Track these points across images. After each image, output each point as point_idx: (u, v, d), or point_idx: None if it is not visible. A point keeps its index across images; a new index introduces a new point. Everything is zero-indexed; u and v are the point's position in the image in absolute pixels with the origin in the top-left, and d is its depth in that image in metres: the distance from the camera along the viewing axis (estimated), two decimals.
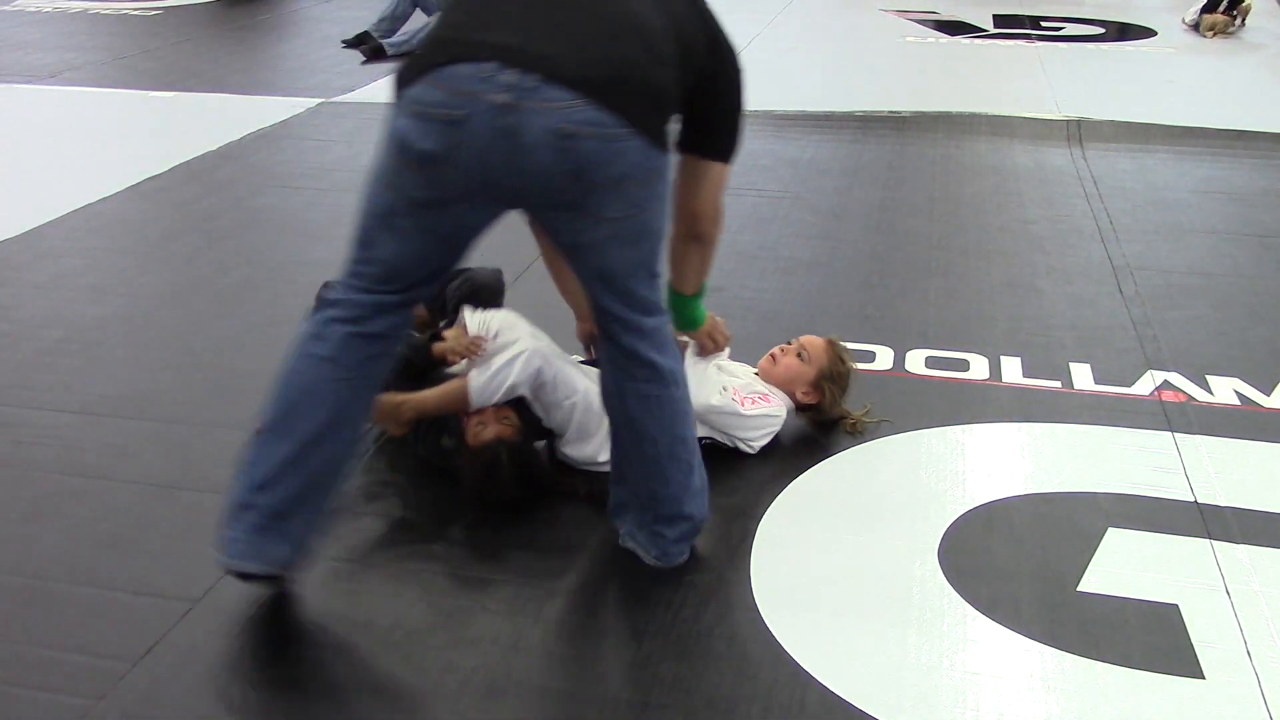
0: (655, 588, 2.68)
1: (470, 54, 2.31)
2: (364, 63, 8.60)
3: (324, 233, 5.06)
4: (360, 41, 8.91)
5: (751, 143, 3.04)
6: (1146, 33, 10.04)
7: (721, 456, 3.28)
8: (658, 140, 2.41)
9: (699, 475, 2.74)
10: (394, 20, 9.02)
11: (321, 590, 2.66)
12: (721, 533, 2.89)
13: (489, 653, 2.45)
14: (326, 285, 2.95)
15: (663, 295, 2.64)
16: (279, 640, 2.52)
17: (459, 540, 2.87)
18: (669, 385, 2.60)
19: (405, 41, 8.90)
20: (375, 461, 3.20)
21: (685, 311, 3.07)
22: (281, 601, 2.61)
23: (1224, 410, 3.54)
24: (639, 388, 2.59)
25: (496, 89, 2.27)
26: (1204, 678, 2.40)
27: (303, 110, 7.16)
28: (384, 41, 8.83)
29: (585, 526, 2.91)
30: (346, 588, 2.67)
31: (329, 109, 7.24)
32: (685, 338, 3.19)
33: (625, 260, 2.49)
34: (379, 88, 7.82)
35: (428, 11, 9.07)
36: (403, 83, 2.40)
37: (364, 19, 9.47)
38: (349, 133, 6.68)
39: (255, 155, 6.25)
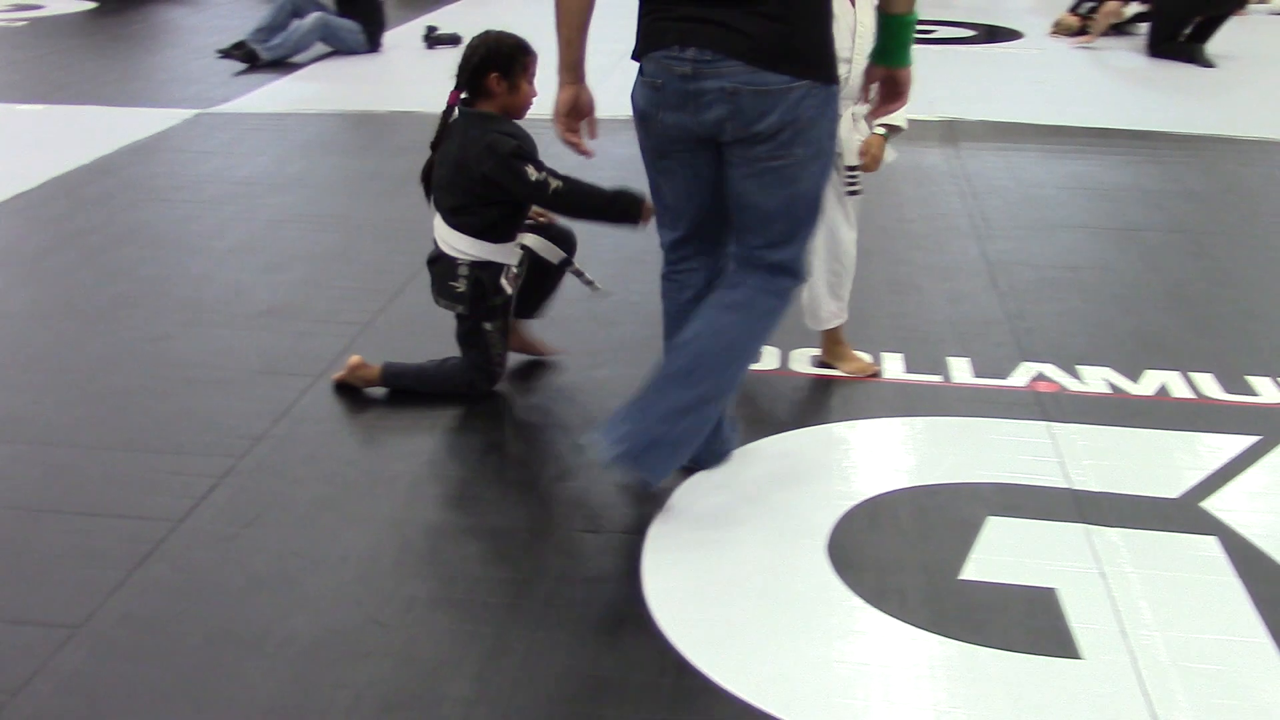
0: (545, 590, 2.68)
1: None
2: (239, 73, 8.46)
3: (202, 246, 4.97)
4: (237, 51, 8.76)
5: (631, 148, 3.07)
6: (1014, 35, 10.34)
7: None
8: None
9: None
10: (271, 31, 8.90)
11: (206, 608, 2.61)
12: (612, 534, 2.91)
13: (381, 667, 2.44)
14: None
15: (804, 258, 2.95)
16: (163, 664, 2.47)
17: (359, 556, 2.84)
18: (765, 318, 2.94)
19: (280, 46, 8.77)
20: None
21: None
22: (167, 623, 2.56)
23: (1095, 399, 3.67)
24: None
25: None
26: (1081, 658, 2.49)
27: (179, 122, 7.01)
28: (257, 46, 8.69)
29: (467, 539, 2.91)
30: (234, 604, 2.63)
31: (206, 120, 7.10)
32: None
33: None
34: (257, 98, 7.71)
35: (314, 28, 8.97)
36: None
37: (239, 28, 9.32)
38: (227, 144, 6.57)
39: (130, 168, 6.10)
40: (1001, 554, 2.85)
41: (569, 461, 3.30)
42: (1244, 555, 2.85)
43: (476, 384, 3.63)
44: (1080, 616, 2.61)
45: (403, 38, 9.76)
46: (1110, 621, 2.60)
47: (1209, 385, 3.73)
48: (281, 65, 8.70)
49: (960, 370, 3.84)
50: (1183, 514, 3.04)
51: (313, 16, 8.96)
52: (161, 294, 4.43)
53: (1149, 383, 3.76)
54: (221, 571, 2.76)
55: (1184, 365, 3.86)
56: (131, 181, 5.89)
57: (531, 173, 3.43)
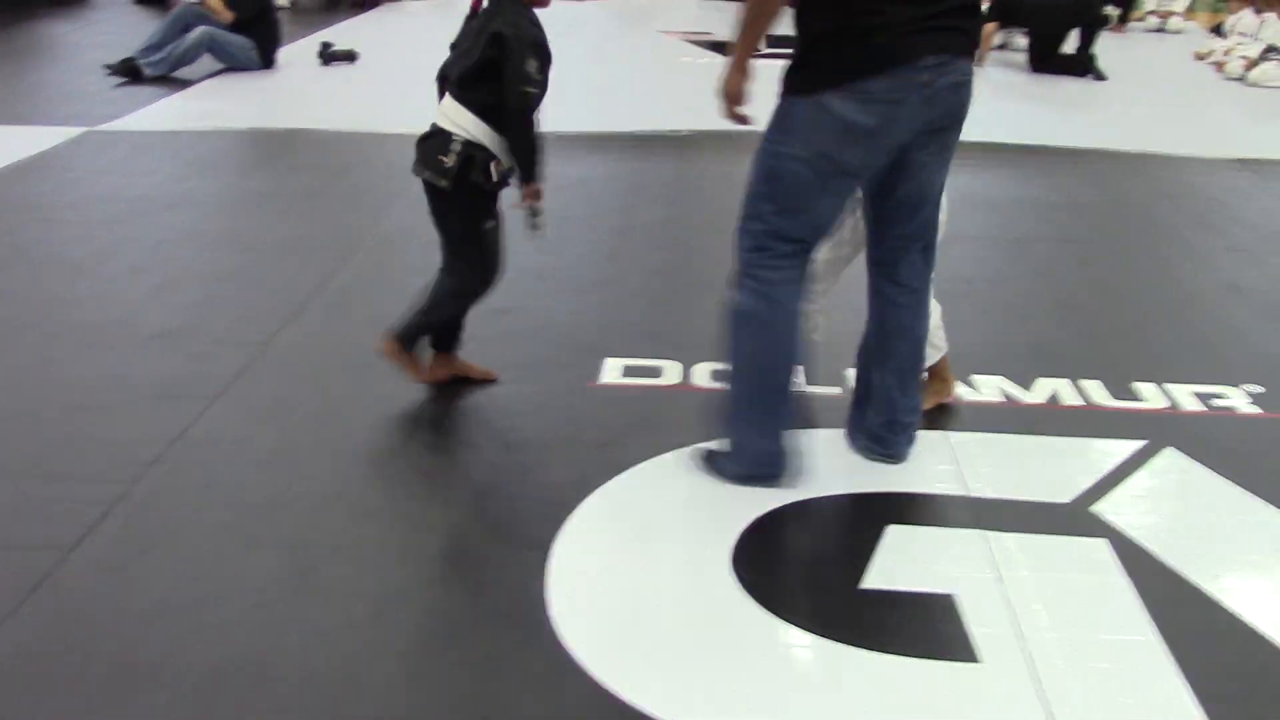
0: (451, 609, 2.67)
1: None
2: (118, 85, 8.29)
3: (92, 267, 4.85)
4: (125, 68, 8.58)
5: None
6: None
7: (512, 471, 3.29)
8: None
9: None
10: (161, 48, 8.74)
11: (100, 640, 2.55)
12: (519, 553, 2.90)
13: (284, 694, 2.40)
14: None
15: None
16: (56, 699, 2.40)
17: (259, 581, 2.79)
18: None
19: (163, 61, 8.61)
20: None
21: None
22: (59, 656, 2.49)
23: (990, 407, 3.75)
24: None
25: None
26: (980, 661, 2.54)
27: (66, 140, 6.84)
28: (142, 62, 8.53)
29: (380, 558, 2.88)
30: (129, 635, 2.57)
31: (94, 138, 6.94)
32: None
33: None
34: (147, 115, 7.55)
35: (199, 42, 8.82)
36: None
37: (127, 44, 9.12)
38: (116, 162, 6.42)
39: (15, 188, 5.93)
40: (901, 562, 2.90)
41: (476, 480, 3.28)
42: (1133, 557, 2.93)
43: (479, 288, 3.69)
44: (978, 621, 2.67)
45: (297, 54, 9.64)
46: (1007, 625, 2.66)
47: (1097, 392, 3.85)
48: (173, 82, 8.53)
49: None
50: (1074, 518, 3.12)
51: (197, 30, 8.77)
52: (50, 316, 4.31)
53: (1041, 391, 3.86)
54: (115, 601, 2.69)
55: (1074, 373, 3.97)
56: (17, 202, 5.73)
57: (532, 66, 3.44)
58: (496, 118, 3.52)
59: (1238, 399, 3.84)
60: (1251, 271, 5.09)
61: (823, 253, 3.60)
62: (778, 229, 3.03)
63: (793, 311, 3.10)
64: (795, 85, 2.97)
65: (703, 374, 3.94)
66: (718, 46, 10.45)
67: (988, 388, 3.87)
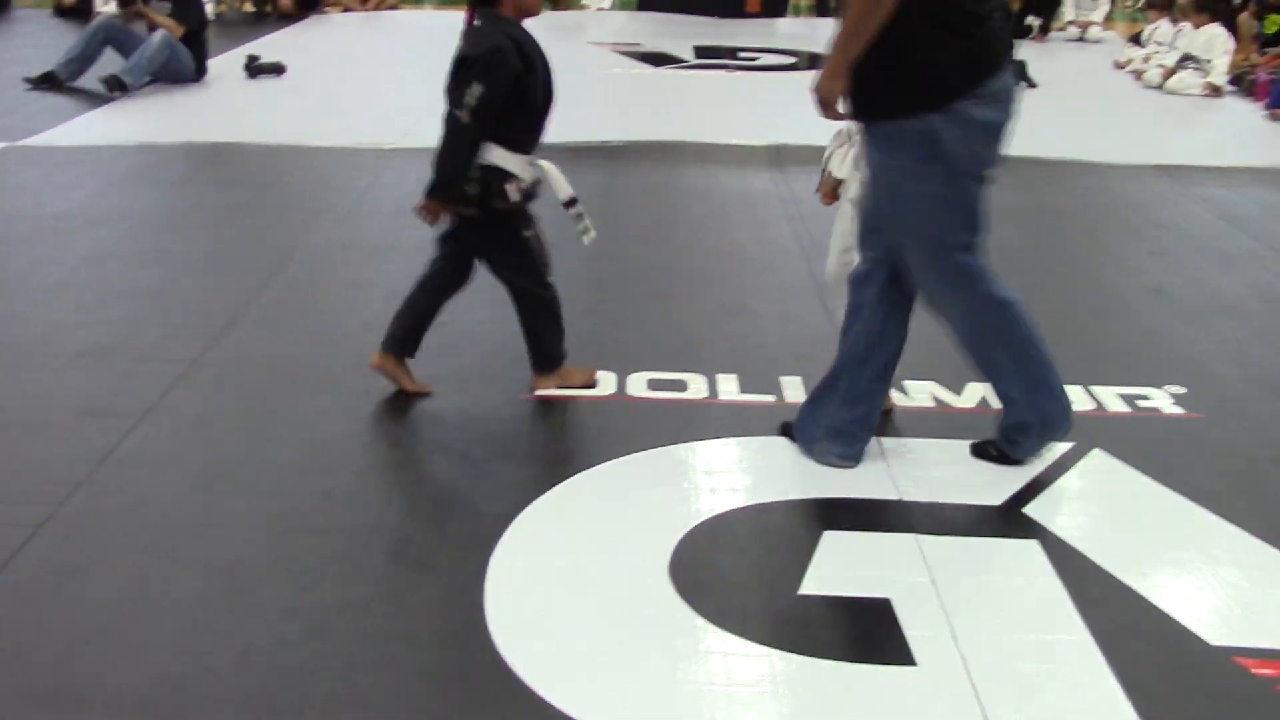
0: (388, 624, 2.64)
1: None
2: (30, 89, 8.16)
3: (14, 285, 4.75)
4: (46, 81, 8.43)
5: None
6: None
7: (447, 484, 3.27)
8: None
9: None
10: (83, 62, 8.61)
11: (27, 665, 2.49)
12: (453, 567, 2.88)
13: (217, 717, 2.36)
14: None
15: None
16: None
17: (190, 601, 2.74)
18: None
19: (136, 70, 8.53)
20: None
21: None
22: None
23: (921, 412, 3.80)
24: None
25: None
26: (916, 665, 2.56)
27: None
28: (124, 78, 8.46)
29: (311, 575, 2.85)
30: (58, 660, 2.52)
31: (14, 154, 6.81)
32: None
33: None
34: (69, 130, 7.42)
35: (125, 53, 8.69)
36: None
37: (47, 57, 8.95)
38: (37, 178, 6.31)
39: None
40: (838, 567, 2.92)
41: (411, 494, 3.25)
42: (1063, 557, 2.98)
43: (545, 294, 3.79)
44: (914, 624, 2.69)
45: (223, 67, 9.52)
46: (942, 628, 2.68)
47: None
48: (94, 96, 8.39)
49: (793, 389, 3.93)
50: (1006, 520, 3.17)
51: (160, 34, 8.69)
52: None
53: (971, 395, 3.91)
54: (42, 626, 2.63)
55: None
56: None
57: (473, 90, 3.43)
58: (508, 135, 3.55)
59: (1161, 400, 3.92)
60: (1173, 275, 5.21)
61: (832, 264, 3.70)
62: (964, 245, 3.20)
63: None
64: (939, 98, 3.02)
65: (638, 383, 3.94)
66: (648, 57, 10.49)
67: (919, 393, 3.92)
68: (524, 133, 3.62)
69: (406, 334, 3.82)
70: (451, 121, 3.48)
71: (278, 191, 6.32)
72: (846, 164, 3.68)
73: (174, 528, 3.04)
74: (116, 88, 8.39)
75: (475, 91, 3.42)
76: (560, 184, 3.74)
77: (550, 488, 3.27)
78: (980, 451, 3.48)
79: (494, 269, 3.78)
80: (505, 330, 4.39)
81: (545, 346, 3.86)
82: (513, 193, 3.59)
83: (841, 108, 3.21)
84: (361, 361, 4.08)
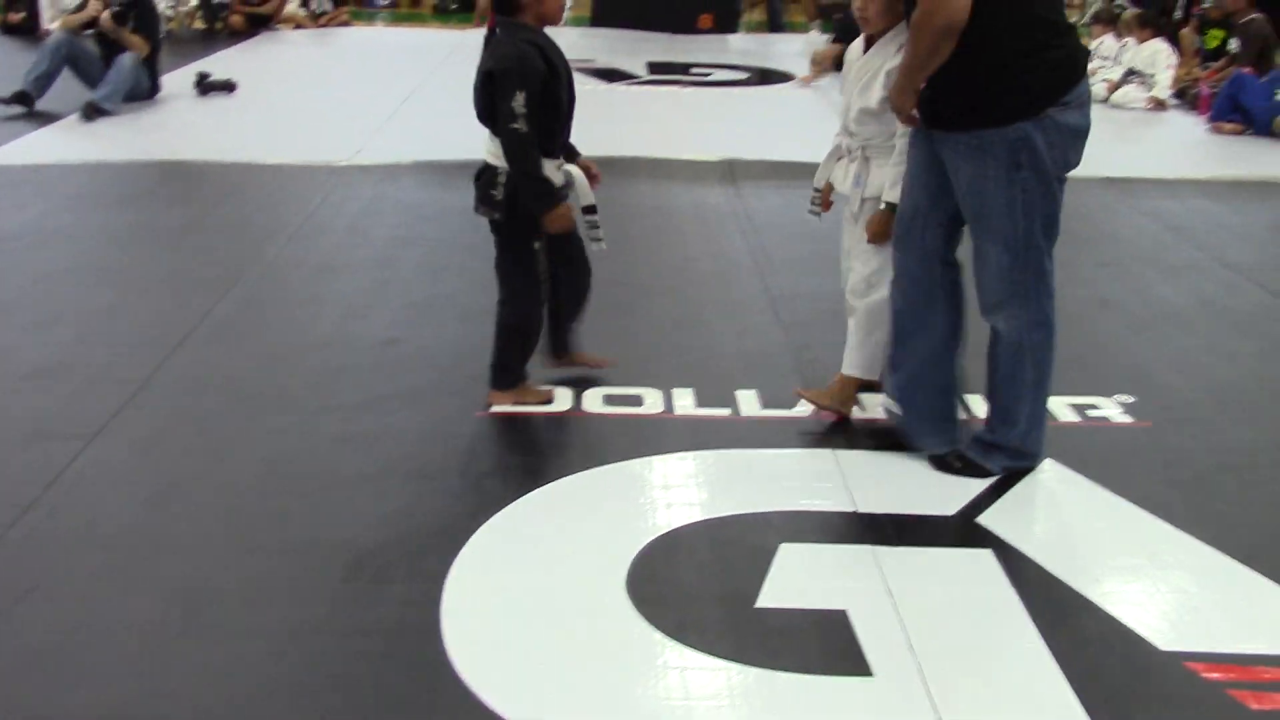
0: (344, 644, 2.63)
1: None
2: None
3: None
4: (20, 99, 8.35)
5: (417, 193, 3.07)
6: (785, 77, 10.74)
7: (403, 501, 3.26)
8: None
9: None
10: (49, 79, 8.53)
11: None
12: (410, 583, 2.87)
13: None
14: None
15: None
16: None
17: (143, 625, 2.71)
18: None
19: (114, 94, 8.50)
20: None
21: None
22: None
23: (876, 425, 3.82)
24: None
25: None
26: (872, 675, 2.58)
27: None
28: (100, 103, 8.40)
29: (267, 598, 2.83)
30: (7, 684, 2.48)
31: None
32: None
33: None
34: (15, 150, 7.34)
35: (79, 72, 8.61)
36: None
37: (2, 75, 8.85)
38: None
39: None
40: (795, 579, 2.94)
41: (367, 512, 3.23)
42: (1017, 566, 3.01)
43: (528, 309, 3.82)
44: (870, 635, 2.71)
45: (174, 85, 9.45)
46: (898, 637, 2.70)
47: (979, 406, 3.93)
48: (40, 115, 8.31)
49: (748, 402, 3.95)
50: (960, 530, 3.20)
51: (131, 56, 8.69)
52: None
53: (842, 408, 3.92)
54: None
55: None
56: None
57: (518, 99, 3.49)
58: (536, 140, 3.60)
59: (1111, 409, 3.97)
60: (1120, 286, 5.28)
61: (850, 274, 3.82)
62: (1045, 253, 3.32)
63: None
64: (1024, 108, 3.15)
65: (594, 399, 3.95)
66: (602, 74, 10.53)
67: (873, 405, 3.94)
68: (550, 137, 3.67)
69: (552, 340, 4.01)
70: (512, 135, 3.54)
71: (229, 209, 6.27)
72: (849, 179, 3.72)
73: (126, 549, 3.01)
74: (97, 114, 8.33)
75: (520, 99, 3.50)
76: (584, 190, 3.80)
77: (507, 504, 3.26)
78: (942, 464, 3.51)
79: (498, 267, 3.83)
80: (461, 347, 4.39)
81: (508, 360, 3.87)
82: None
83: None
84: (314, 378, 4.06)
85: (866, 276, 3.75)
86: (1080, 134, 3.26)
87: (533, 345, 3.90)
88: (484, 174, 3.72)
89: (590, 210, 3.80)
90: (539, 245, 3.75)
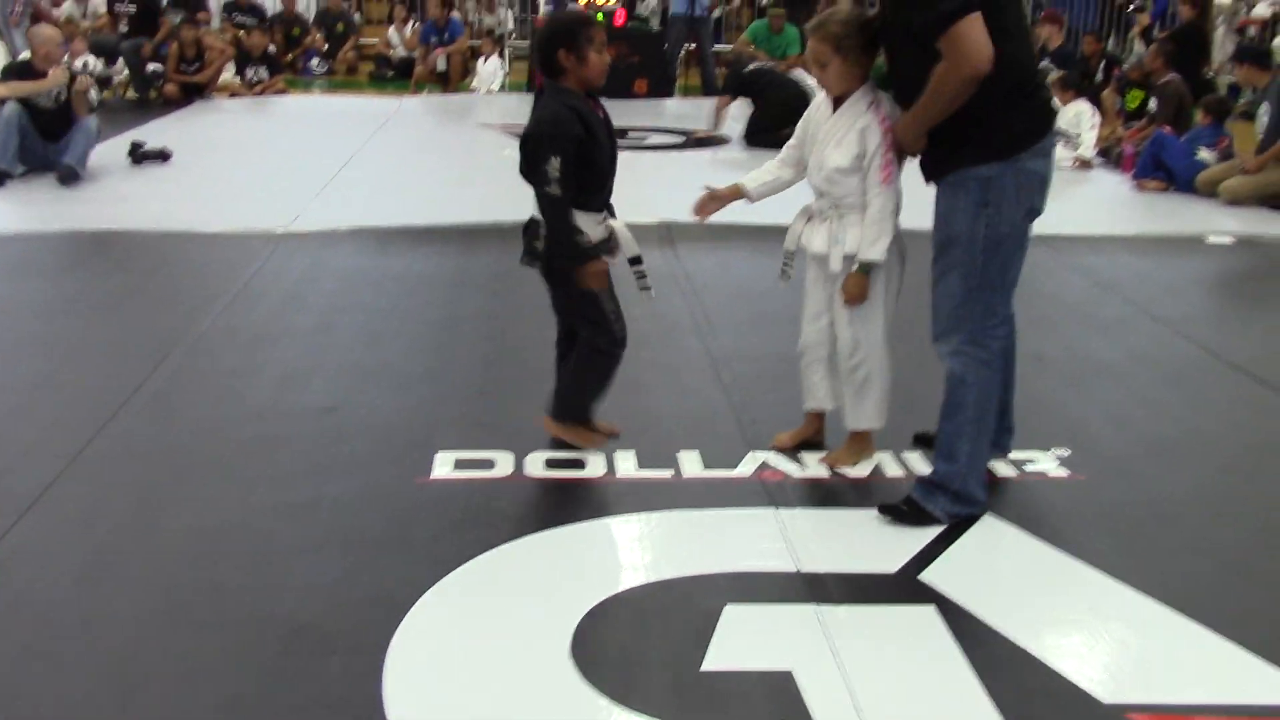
0: (283, 716, 2.58)
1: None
2: None
3: None
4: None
5: (356, 259, 3.06)
6: (720, 141, 10.88)
7: (343, 572, 3.21)
8: None
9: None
10: (12, 151, 8.42)
11: None
12: (352, 655, 2.82)
13: None
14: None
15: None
16: None
17: (75, 706, 2.64)
18: None
19: (83, 156, 8.51)
20: None
21: None
22: None
23: (817, 484, 3.84)
24: None
25: None
26: None
27: None
28: (71, 166, 8.36)
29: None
30: None
31: None
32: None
33: None
34: None
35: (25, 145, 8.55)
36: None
37: None
38: None
39: None
40: (740, 641, 2.93)
41: (306, 583, 3.18)
42: (959, 621, 3.03)
43: (607, 349, 3.90)
44: (816, 696, 2.70)
45: (108, 154, 9.36)
46: (844, 697, 2.70)
47: (919, 463, 3.97)
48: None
49: (691, 463, 3.95)
50: (903, 587, 3.21)
51: (93, 119, 8.75)
52: None
53: (864, 464, 3.97)
54: None
55: (895, 445, 4.09)
56: None
57: (552, 164, 3.62)
58: (575, 196, 3.71)
59: (1047, 463, 4.02)
60: (1053, 341, 5.37)
61: (805, 332, 3.90)
62: (998, 293, 3.49)
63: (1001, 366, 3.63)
64: (996, 152, 3.37)
65: (536, 463, 3.93)
66: None
67: (814, 464, 3.96)
68: (590, 192, 3.77)
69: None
70: (545, 199, 3.68)
71: (164, 278, 6.21)
72: (824, 239, 3.76)
73: (55, 627, 2.94)
74: (72, 179, 8.34)
75: (555, 163, 3.62)
76: (628, 241, 3.89)
77: (449, 572, 3.23)
78: (892, 511, 3.56)
79: (573, 319, 3.99)
80: (400, 413, 4.36)
81: (575, 397, 4.00)
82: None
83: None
84: (250, 448, 4.01)
85: (853, 338, 3.79)
86: (1045, 181, 3.49)
87: (604, 388, 4.00)
88: (529, 228, 3.85)
89: (636, 260, 3.92)
90: (598, 289, 3.85)
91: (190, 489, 3.71)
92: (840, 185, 3.69)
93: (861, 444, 3.94)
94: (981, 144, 3.37)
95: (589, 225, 3.78)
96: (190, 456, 3.97)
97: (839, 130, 3.66)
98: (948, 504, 3.54)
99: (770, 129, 10.56)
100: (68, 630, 2.93)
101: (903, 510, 3.55)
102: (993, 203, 3.39)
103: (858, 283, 3.70)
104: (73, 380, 4.65)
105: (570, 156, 3.64)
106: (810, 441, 4.03)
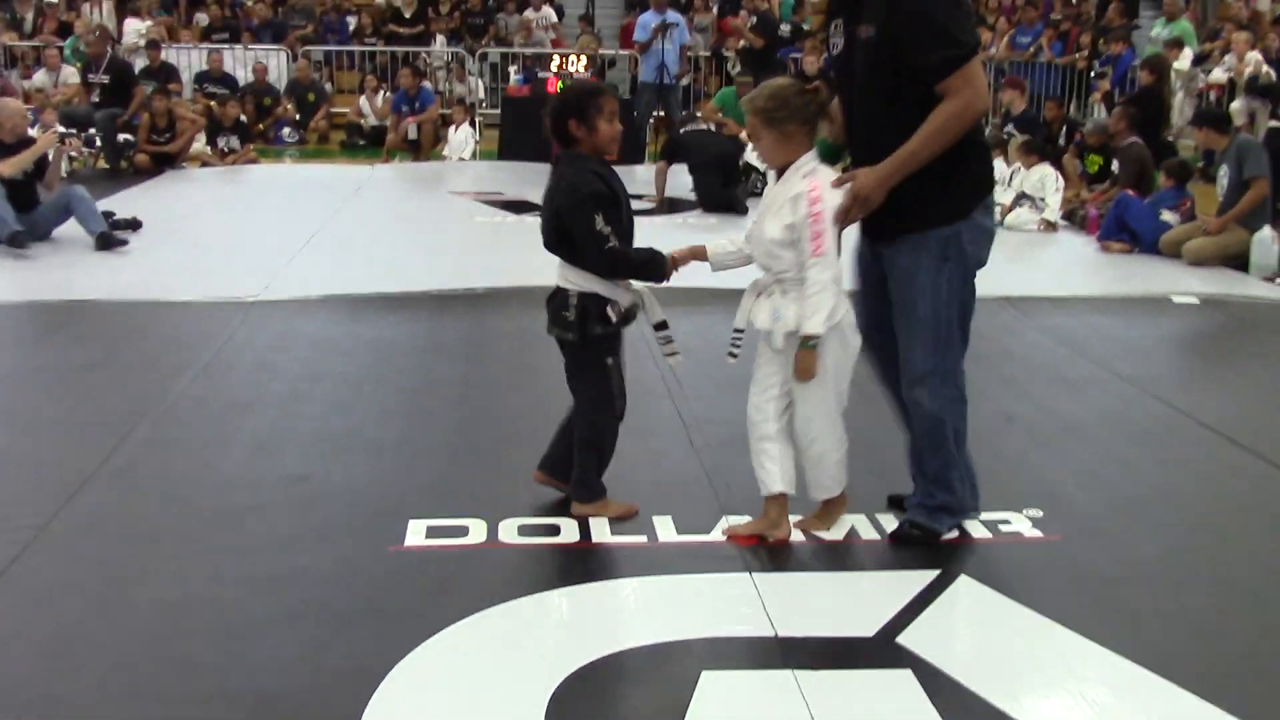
0: None
1: None
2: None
3: None
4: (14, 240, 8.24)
5: (329, 328, 3.05)
6: (691, 206, 10.96)
7: (315, 644, 3.17)
8: None
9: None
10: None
11: None
12: (327, 717, 2.78)
13: None
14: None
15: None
16: None
17: None
18: None
19: (39, 227, 8.47)
20: None
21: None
22: None
23: (792, 546, 3.83)
24: None
25: None
26: None
27: None
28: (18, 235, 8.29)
29: None
30: None
31: None
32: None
33: None
34: None
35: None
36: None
37: None
38: None
39: None
40: (718, 708, 2.90)
41: (277, 657, 3.14)
42: (936, 685, 3.01)
43: (601, 424, 3.94)
44: None
45: (76, 224, 9.32)
46: None
47: (893, 525, 3.97)
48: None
49: (665, 529, 3.93)
50: (880, 651, 3.19)
51: (60, 193, 8.75)
52: None
53: (839, 527, 3.96)
54: None
55: (869, 508, 4.09)
56: None
57: (598, 222, 3.68)
58: None
59: (1021, 524, 4.03)
60: (1022, 401, 5.40)
61: (751, 403, 3.89)
62: (960, 334, 3.71)
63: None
64: (956, 211, 3.57)
65: (509, 530, 3.90)
66: (510, 205, 10.65)
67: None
68: None
69: (559, 459, 4.07)
70: (608, 255, 3.72)
71: (133, 348, 6.17)
72: (766, 313, 3.75)
73: (17, 708, 2.88)
74: (117, 243, 8.48)
75: (599, 220, 3.69)
76: (654, 307, 3.93)
77: (422, 642, 3.19)
78: (901, 537, 3.83)
79: (573, 387, 3.99)
80: (372, 482, 4.33)
81: (584, 475, 4.00)
82: (613, 315, 3.82)
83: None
84: (219, 519, 3.97)
85: (805, 415, 3.78)
86: (991, 235, 3.72)
87: (608, 458, 4.03)
88: (555, 296, 3.88)
89: (662, 326, 3.96)
90: (612, 362, 3.89)
91: (158, 562, 3.67)
92: (779, 260, 3.68)
93: (833, 507, 3.93)
94: (941, 204, 3.54)
95: (615, 292, 3.81)
96: (158, 528, 3.92)
97: (776, 201, 3.68)
98: (949, 519, 3.85)
99: (708, 189, 10.76)
100: (32, 707, 2.87)
101: (914, 535, 3.81)
102: (953, 258, 3.59)
103: (805, 358, 3.66)
104: (39, 452, 4.60)
105: (610, 211, 3.72)
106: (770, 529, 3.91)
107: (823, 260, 3.58)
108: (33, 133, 9.45)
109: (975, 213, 3.62)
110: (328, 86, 16.85)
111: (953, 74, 3.37)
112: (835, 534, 3.92)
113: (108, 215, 9.27)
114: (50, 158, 8.94)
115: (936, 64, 3.39)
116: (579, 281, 3.80)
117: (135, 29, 15.99)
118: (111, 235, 8.53)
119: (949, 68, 3.38)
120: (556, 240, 3.81)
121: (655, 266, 3.83)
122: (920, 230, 3.57)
